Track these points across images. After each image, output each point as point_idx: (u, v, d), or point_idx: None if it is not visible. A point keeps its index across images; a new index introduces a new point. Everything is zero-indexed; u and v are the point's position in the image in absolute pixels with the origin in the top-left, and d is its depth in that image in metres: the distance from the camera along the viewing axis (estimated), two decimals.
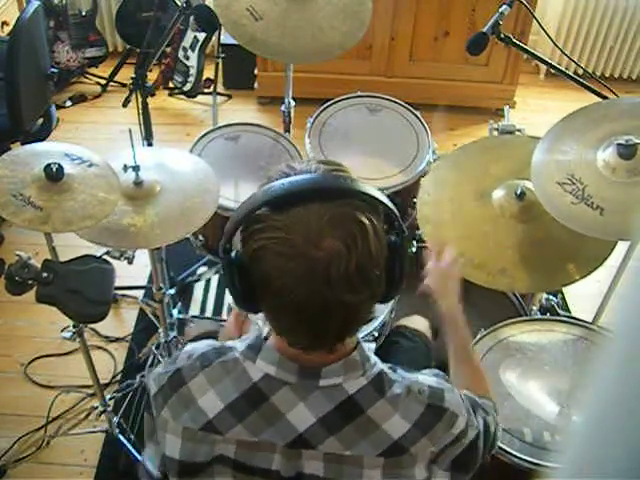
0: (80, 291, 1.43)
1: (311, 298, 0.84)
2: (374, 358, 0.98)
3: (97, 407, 2.11)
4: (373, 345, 1.75)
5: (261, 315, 0.95)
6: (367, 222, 0.84)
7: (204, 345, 1.00)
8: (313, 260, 0.82)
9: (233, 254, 0.90)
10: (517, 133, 2.00)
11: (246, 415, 0.93)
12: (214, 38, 3.37)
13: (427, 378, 1.00)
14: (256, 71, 3.56)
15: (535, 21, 1.92)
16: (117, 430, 2.12)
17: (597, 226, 1.44)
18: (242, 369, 0.95)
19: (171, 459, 0.96)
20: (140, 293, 2.60)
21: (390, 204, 0.90)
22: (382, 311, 1.81)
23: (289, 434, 0.93)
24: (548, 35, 1.96)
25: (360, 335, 0.98)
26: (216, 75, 3.14)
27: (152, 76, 3.55)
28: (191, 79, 3.49)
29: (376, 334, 1.80)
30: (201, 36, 3.40)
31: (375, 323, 1.79)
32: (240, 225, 0.88)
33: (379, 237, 0.86)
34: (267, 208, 0.85)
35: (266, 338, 0.96)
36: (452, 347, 1.22)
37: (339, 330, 0.90)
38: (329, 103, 2.33)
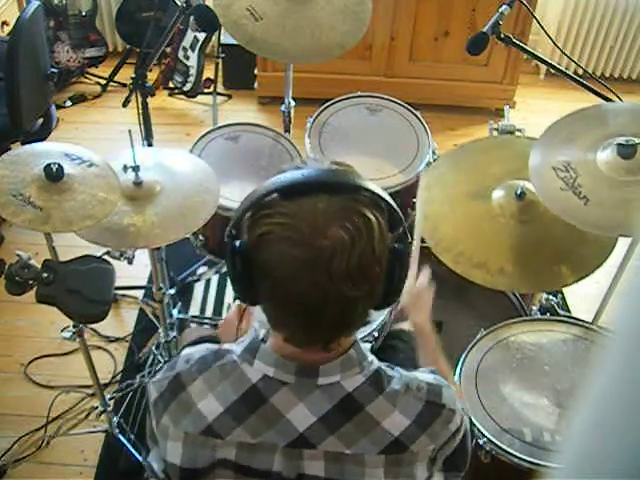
0: (80, 291, 1.43)
1: (311, 288, 0.84)
2: (371, 356, 0.98)
3: (97, 407, 2.11)
4: (369, 345, 1.76)
5: (258, 318, 0.94)
6: (373, 218, 0.85)
7: (202, 349, 1.00)
8: (317, 248, 0.82)
9: (238, 242, 0.89)
10: (517, 133, 2.00)
11: (245, 417, 0.93)
12: (214, 38, 3.37)
13: (425, 375, 1.01)
14: (256, 71, 3.56)
15: (535, 21, 1.92)
16: (117, 430, 2.12)
17: (578, 214, 1.44)
18: (240, 372, 0.94)
19: (172, 465, 0.96)
20: (140, 293, 2.60)
21: (396, 208, 0.91)
22: (381, 312, 1.81)
23: (290, 434, 0.93)
24: (548, 35, 1.96)
25: (360, 336, 0.98)
26: (216, 75, 3.14)
27: (152, 76, 3.55)
28: (191, 79, 3.49)
29: (376, 334, 1.80)
30: (201, 36, 3.40)
31: (375, 323, 1.79)
32: (249, 210, 0.88)
33: (383, 235, 0.87)
34: (277, 195, 0.86)
35: (264, 340, 0.96)
36: (422, 355, 1.25)
37: (334, 324, 0.89)
38: (329, 103, 2.32)
